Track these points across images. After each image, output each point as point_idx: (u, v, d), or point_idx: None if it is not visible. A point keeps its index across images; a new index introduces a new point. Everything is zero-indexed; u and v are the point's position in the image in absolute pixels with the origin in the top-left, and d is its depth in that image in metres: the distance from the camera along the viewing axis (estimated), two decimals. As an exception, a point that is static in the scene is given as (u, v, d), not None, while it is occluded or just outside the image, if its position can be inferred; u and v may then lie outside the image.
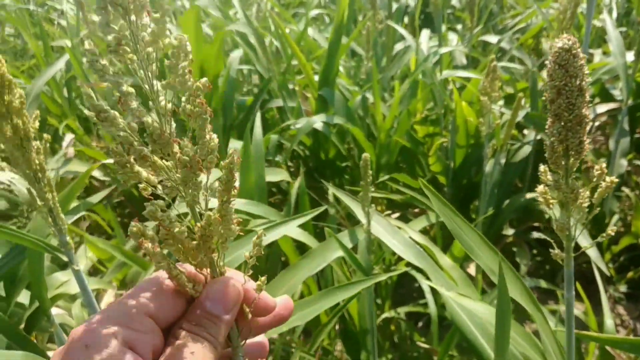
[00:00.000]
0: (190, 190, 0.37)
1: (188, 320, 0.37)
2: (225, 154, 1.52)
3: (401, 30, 1.96)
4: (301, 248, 1.39)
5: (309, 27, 2.24)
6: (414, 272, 1.12)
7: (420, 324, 1.62)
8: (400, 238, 0.98)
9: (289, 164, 2.03)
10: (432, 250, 1.00)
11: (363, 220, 0.99)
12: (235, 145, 1.47)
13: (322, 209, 0.97)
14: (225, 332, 0.38)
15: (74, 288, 1.03)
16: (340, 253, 0.98)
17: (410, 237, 0.98)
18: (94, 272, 1.54)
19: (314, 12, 2.83)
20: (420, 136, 1.86)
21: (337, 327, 1.45)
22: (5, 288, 1.05)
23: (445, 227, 1.51)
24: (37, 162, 0.71)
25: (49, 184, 0.73)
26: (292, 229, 0.94)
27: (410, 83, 1.75)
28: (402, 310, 1.40)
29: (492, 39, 2.21)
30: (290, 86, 2.07)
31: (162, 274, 0.38)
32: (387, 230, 0.99)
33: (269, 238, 0.92)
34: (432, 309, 1.13)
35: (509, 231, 1.75)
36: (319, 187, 1.88)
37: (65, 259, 0.80)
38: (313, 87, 1.87)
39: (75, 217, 1.06)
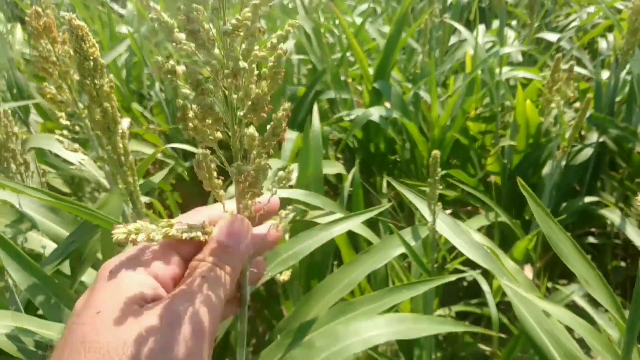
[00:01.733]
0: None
1: (204, 252, 0.39)
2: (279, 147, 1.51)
3: (460, 27, 1.92)
4: (353, 241, 1.38)
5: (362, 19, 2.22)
6: (473, 273, 1.10)
7: (466, 323, 1.60)
8: (465, 238, 0.96)
9: (338, 155, 2.03)
10: (496, 252, 0.98)
11: (428, 217, 0.98)
12: (291, 135, 1.47)
13: (387, 205, 0.96)
14: (239, 264, 0.40)
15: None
16: (401, 250, 0.96)
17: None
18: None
19: (364, 6, 2.81)
20: (473, 133, 1.82)
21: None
22: (71, 266, 1.07)
23: (502, 228, 1.48)
24: (121, 145, 0.72)
25: (131, 168, 0.74)
26: (357, 224, 0.93)
27: (468, 82, 1.71)
28: (454, 309, 1.38)
29: (551, 37, 2.15)
30: (342, 78, 2.05)
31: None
32: (453, 230, 0.97)
33: (334, 232, 0.91)
34: (493, 311, 1.11)
35: (564, 235, 1.70)
36: (366, 179, 1.87)
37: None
38: (368, 79, 1.85)
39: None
